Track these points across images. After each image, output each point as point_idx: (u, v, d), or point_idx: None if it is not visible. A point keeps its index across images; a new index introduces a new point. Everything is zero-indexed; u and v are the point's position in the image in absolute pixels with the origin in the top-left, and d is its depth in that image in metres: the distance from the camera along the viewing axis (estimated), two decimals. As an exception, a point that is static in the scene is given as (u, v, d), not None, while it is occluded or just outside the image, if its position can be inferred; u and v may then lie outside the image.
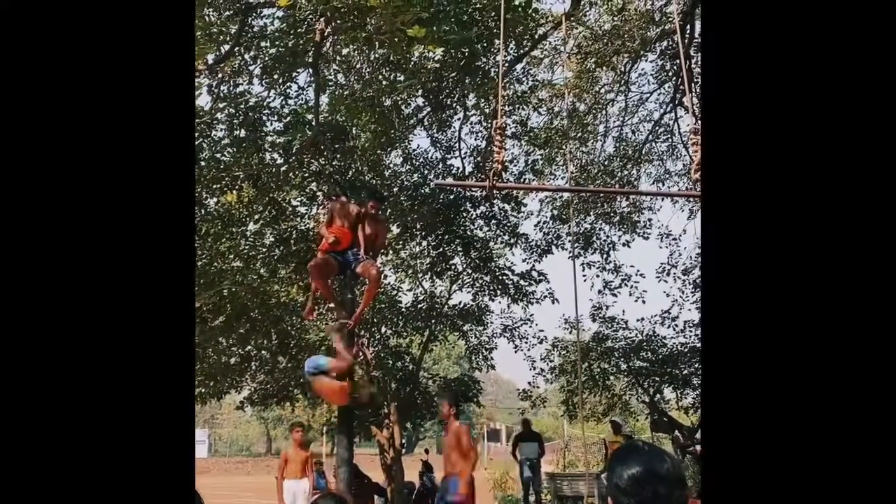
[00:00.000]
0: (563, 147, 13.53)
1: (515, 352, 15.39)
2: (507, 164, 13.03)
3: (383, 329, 14.26)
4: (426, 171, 13.10)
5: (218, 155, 9.58)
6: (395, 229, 13.01)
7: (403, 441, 14.80)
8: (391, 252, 13.90)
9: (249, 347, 12.05)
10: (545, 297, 14.38)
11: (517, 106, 12.92)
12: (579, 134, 14.04)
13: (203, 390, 12.33)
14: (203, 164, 9.36)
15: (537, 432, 13.08)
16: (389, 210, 12.00)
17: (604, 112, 14.39)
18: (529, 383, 15.58)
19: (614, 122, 14.67)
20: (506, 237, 14.04)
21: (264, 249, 10.73)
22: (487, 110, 11.53)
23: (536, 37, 10.82)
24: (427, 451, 17.45)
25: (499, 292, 14.15)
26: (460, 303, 14.74)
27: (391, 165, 12.85)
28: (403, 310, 14.19)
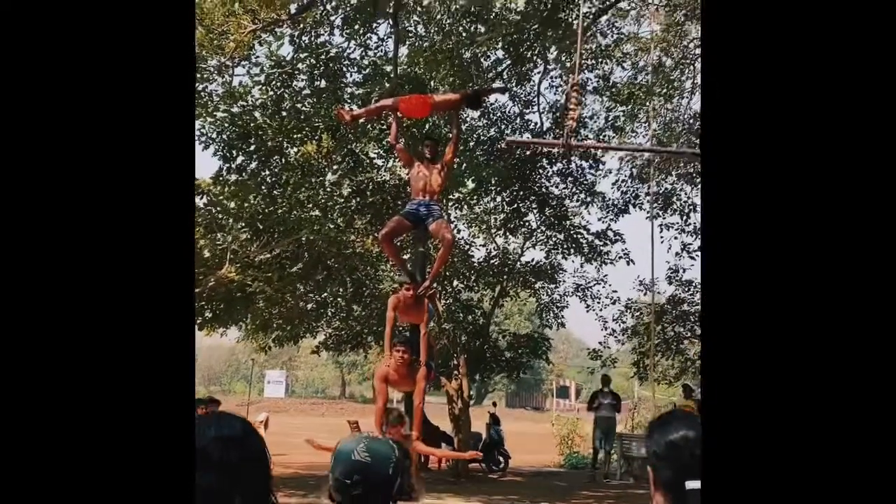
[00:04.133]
0: (647, 103, 13.08)
1: (587, 311, 15.28)
2: (585, 120, 12.78)
3: (455, 283, 14.39)
4: (503, 126, 12.97)
5: (299, 105, 9.76)
6: (469, 184, 13.00)
7: (472, 393, 15.05)
8: (465, 206, 13.92)
9: (325, 294, 12.42)
10: (620, 257, 14.16)
11: (600, 60, 12.54)
12: (664, 90, 13.52)
13: (280, 333, 12.85)
14: (284, 114, 9.57)
15: (615, 392, 12.99)
16: (465, 165, 11.98)
17: (692, 67, 13.77)
18: (600, 343, 15.47)
19: (703, 78, 14.03)
20: (582, 195, 13.83)
21: (341, 200, 10.94)
22: (569, 64, 11.25)
23: (624, -13, 10.41)
24: (495, 404, 17.69)
25: (573, 251, 14.02)
26: (533, 260, 14.70)
27: (468, 119, 12.76)
28: (476, 264, 14.25)
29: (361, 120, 7.69)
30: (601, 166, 13.71)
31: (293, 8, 8.69)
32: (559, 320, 15.34)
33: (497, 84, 11.57)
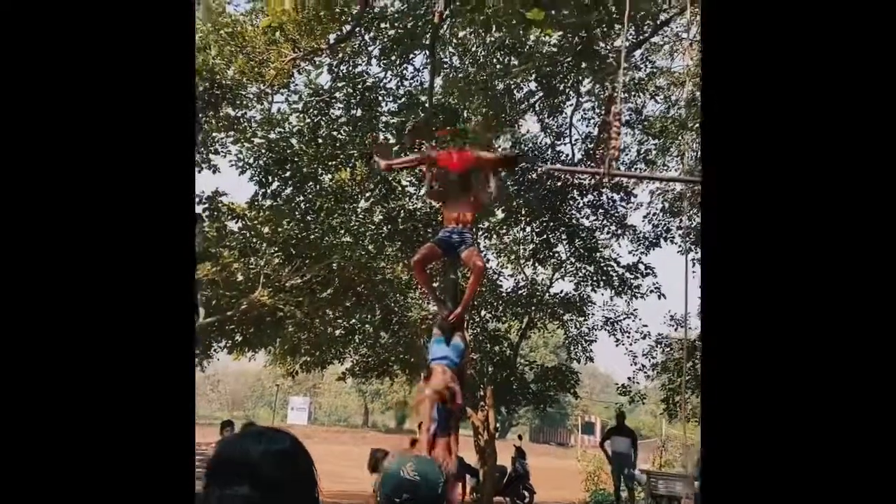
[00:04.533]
0: (679, 137, 13.04)
1: (616, 346, 15.09)
2: (619, 153, 12.74)
3: (482, 312, 14.33)
4: (535, 157, 13.00)
5: (335, 133, 9.92)
6: (499, 213, 13.02)
7: (497, 425, 14.88)
8: (494, 236, 13.93)
9: (354, 321, 12.46)
10: (651, 291, 13.99)
11: (633, 93, 12.58)
12: (697, 124, 13.47)
13: (308, 359, 12.90)
14: (320, 141, 9.73)
15: (631, 428, 12.77)
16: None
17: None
18: (629, 378, 15.23)
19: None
20: (613, 227, 13.75)
21: (373, 227, 11.03)
22: (602, 96, 11.29)
23: (658, 22, 10.47)
24: (520, 437, 17.46)
25: (602, 283, 13.89)
26: (562, 291, 14.59)
27: (500, 149, 12.82)
28: (504, 294, 14.20)
29: (397, 168, 7.72)
30: (633, 199, 13.65)
31: (332, 38, 8.88)
32: (587, 354, 15.16)
33: (531, 122, 11.65)
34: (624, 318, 14.80)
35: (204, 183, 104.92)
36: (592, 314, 14.90)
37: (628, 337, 14.83)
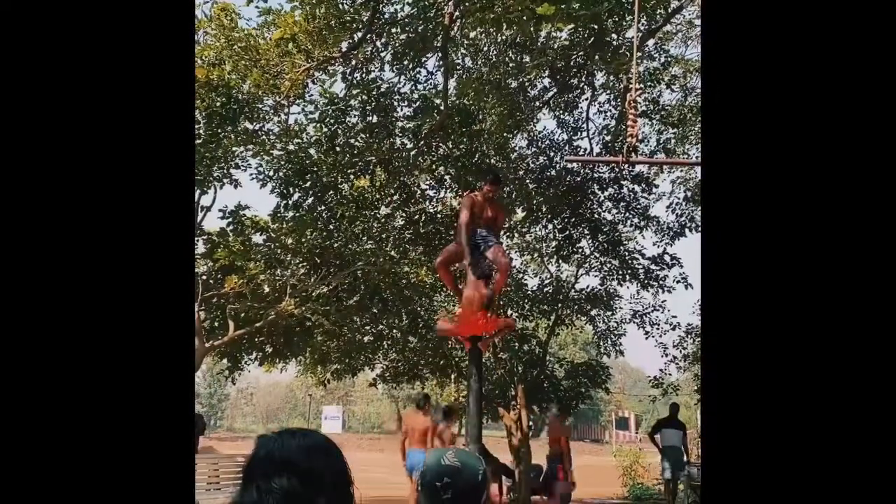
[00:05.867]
0: (698, 125, 12.92)
1: (646, 338, 14.96)
2: (638, 142, 12.62)
3: (509, 312, 14.29)
4: (552, 154, 12.97)
5: (352, 141, 9.98)
6: (520, 212, 13.00)
7: (531, 424, 14.82)
8: (517, 235, 13.90)
9: (381, 326, 12.51)
10: (678, 281, 13.86)
11: (648, 84, 12.48)
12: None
13: (338, 367, 12.97)
14: (338, 149, 9.80)
15: (682, 421, 12.59)
16: (515, 193, 12.00)
17: (743, 86, 13.56)
18: (661, 370, 15.10)
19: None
20: (635, 220, 13.64)
21: (395, 232, 11.08)
22: (618, 87, 11.23)
23: (670, 10, 10.39)
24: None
25: (628, 277, 13.80)
26: (588, 287, 14.51)
27: (517, 148, 12.82)
28: (530, 293, 14.16)
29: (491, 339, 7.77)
30: (654, 190, 13.53)
31: (344, 46, 8.95)
32: (618, 348, 15.05)
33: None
34: (652, 311, 14.69)
35: (226, 198, 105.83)
36: (620, 308, 14.82)
37: (657, 329, 14.71)
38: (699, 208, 13.75)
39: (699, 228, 13.92)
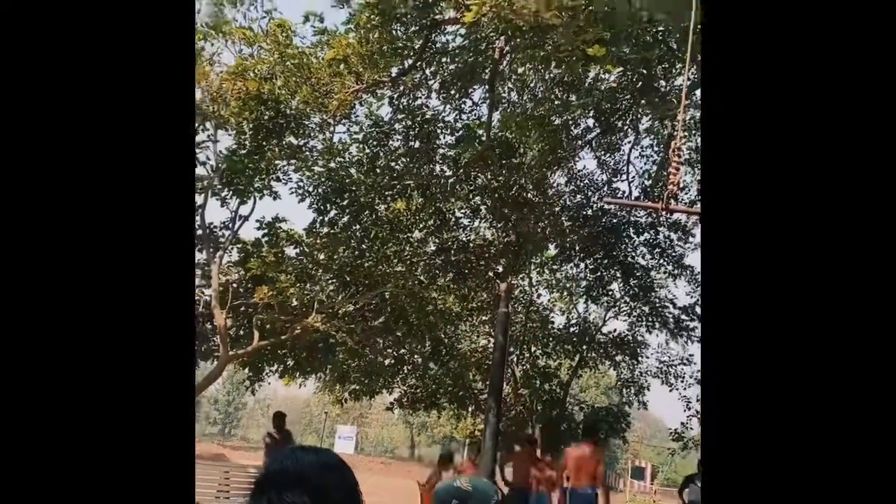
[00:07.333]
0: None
1: (670, 391, 14.68)
2: (679, 189, 12.54)
3: (533, 348, 14.18)
4: (590, 193, 12.94)
5: (392, 163, 10.08)
6: (552, 249, 12.95)
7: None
8: (547, 271, 13.83)
9: (404, 350, 12.48)
10: (708, 334, 13.60)
11: (693, 132, 12.41)
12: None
13: (357, 387, 12.95)
14: (378, 171, 9.90)
15: None
16: (549, 229, 11.96)
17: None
18: (683, 423, 14.77)
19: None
20: (669, 267, 13.49)
21: (426, 257, 11.10)
22: (662, 133, 11.19)
23: (721, 61, 10.36)
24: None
25: (657, 325, 13.61)
26: (615, 330, 14.34)
27: (555, 184, 12.81)
28: (555, 330, 14.04)
29: None
30: (690, 239, 13.40)
31: (394, 71, 9.09)
32: (641, 398, 14.78)
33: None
34: (678, 364, 14.43)
35: (265, 209, 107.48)
36: (646, 358, 14.57)
37: (682, 381, 14.43)
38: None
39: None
